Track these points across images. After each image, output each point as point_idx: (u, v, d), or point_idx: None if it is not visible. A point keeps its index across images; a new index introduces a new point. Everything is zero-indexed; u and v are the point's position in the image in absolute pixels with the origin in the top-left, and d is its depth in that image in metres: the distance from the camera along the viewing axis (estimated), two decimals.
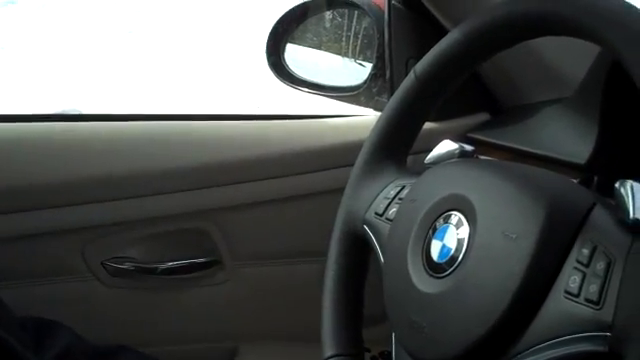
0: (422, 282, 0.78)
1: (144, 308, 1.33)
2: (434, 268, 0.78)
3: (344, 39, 1.49)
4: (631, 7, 0.72)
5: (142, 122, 1.33)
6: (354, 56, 1.48)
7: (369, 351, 1.44)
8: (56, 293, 1.28)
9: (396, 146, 0.95)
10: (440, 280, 0.77)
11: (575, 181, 1.01)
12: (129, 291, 1.31)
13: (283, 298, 1.38)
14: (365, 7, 1.39)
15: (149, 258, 1.30)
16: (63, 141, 1.27)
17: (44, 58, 5.14)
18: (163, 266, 1.31)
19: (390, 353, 0.91)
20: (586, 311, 0.66)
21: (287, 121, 1.38)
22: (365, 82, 1.38)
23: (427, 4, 1.24)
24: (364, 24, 1.43)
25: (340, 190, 0.97)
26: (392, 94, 0.96)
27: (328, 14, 1.50)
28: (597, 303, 0.65)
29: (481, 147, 1.23)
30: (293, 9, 1.47)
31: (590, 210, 0.72)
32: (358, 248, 0.95)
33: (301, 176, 1.32)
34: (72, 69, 4.99)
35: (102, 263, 1.28)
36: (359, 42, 1.46)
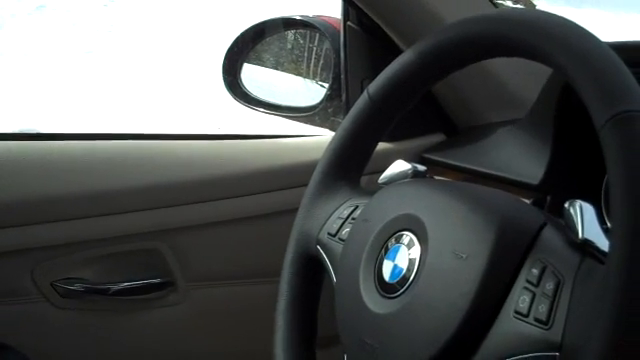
0: (374, 303, 0.78)
1: (96, 330, 1.30)
2: (386, 288, 0.78)
3: (305, 60, 1.49)
4: (581, 30, 0.72)
5: (94, 141, 1.31)
6: (314, 77, 1.48)
7: None
8: (4, 315, 1.24)
9: (350, 166, 0.95)
10: (392, 300, 0.76)
11: (528, 201, 1.02)
12: (80, 313, 1.29)
13: (237, 319, 1.36)
14: (321, 27, 1.39)
15: (101, 279, 1.28)
16: (15, 160, 1.25)
17: (1, 77, 5.09)
18: (115, 287, 1.28)
19: None
20: (535, 331, 0.66)
21: (241, 141, 1.37)
22: (321, 102, 1.38)
23: (382, 25, 1.24)
24: (325, 46, 1.43)
25: (295, 210, 0.97)
26: None
27: (290, 35, 1.50)
28: (546, 323, 0.66)
29: (436, 168, 1.24)
30: (250, 29, 1.47)
31: (540, 230, 0.72)
32: (311, 269, 0.94)
33: (255, 196, 1.31)
34: (30, 89, 4.95)
35: (52, 284, 1.25)
36: (320, 63, 1.46)
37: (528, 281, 0.69)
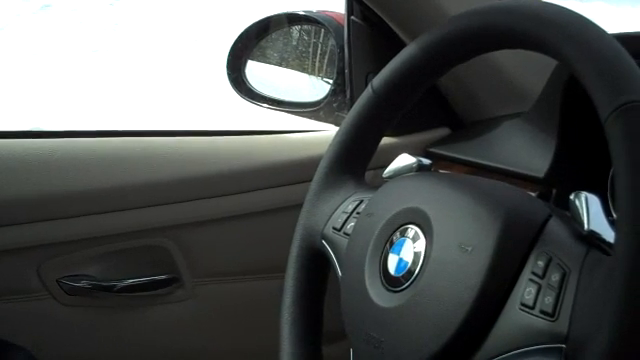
0: (379, 296, 0.78)
1: (102, 327, 1.30)
2: (391, 282, 0.77)
3: (309, 55, 1.49)
4: (586, 21, 0.72)
5: (99, 139, 1.31)
6: (319, 73, 1.47)
7: None
8: (10, 313, 1.25)
9: (354, 160, 0.95)
10: (397, 294, 0.76)
11: (534, 194, 1.02)
12: (86, 310, 1.29)
13: (243, 315, 1.36)
14: (325, 23, 1.39)
15: (107, 276, 1.28)
16: (20, 158, 1.25)
17: (6, 76, 5.10)
18: (121, 284, 1.28)
19: None
20: (541, 323, 0.66)
21: (246, 137, 1.37)
22: (325, 97, 1.38)
23: (386, 19, 1.24)
24: (329, 41, 1.43)
25: (300, 206, 0.97)
26: None
27: (294, 31, 1.50)
28: (552, 315, 0.65)
29: (441, 162, 1.24)
30: (253, 25, 1.46)
31: (545, 222, 0.72)
32: (316, 263, 0.94)
33: (261, 192, 1.31)
34: (37, 88, 4.96)
35: (58, 281, 1.26)
36: (324, 59, 1.46)
37: (534, 273, 0.68)
